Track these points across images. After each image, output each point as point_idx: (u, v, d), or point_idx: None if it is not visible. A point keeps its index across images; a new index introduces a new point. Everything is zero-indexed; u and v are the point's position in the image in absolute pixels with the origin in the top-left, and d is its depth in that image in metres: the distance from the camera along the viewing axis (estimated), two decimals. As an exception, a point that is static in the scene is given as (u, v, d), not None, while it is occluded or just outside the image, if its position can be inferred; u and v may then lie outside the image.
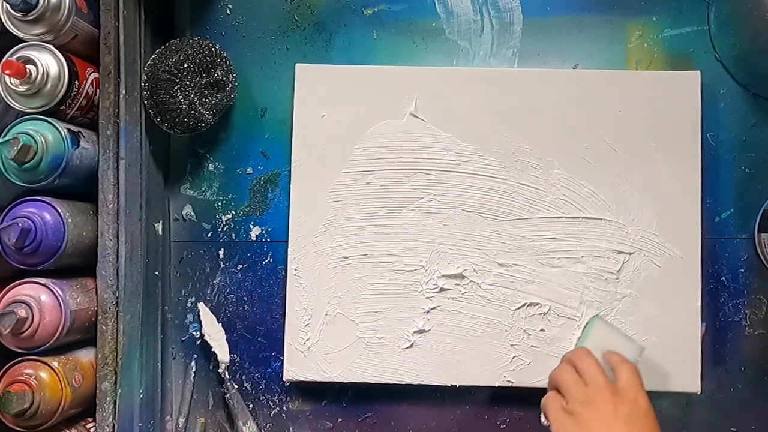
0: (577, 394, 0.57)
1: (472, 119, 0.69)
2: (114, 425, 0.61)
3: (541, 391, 0.67)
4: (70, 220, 0.59)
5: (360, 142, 0.69)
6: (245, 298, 0.72)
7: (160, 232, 0.70)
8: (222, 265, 0.72)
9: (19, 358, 0.58)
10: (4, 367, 0.58)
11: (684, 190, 0.68)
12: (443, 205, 0.69)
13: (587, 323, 0.66)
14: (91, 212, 0.63)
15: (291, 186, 0.70)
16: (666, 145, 0.68)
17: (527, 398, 0.69)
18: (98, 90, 0.62)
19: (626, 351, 0.62)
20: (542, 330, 0.68)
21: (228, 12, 0.72)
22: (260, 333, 0.71)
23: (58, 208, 0.59)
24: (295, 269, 0.69)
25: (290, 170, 0.70)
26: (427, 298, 0.68)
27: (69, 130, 0.60)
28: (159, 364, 0.69)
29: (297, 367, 0.69)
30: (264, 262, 0.72)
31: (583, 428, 0.55)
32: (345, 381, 0.68)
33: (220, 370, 0.70)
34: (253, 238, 0.72)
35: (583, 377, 0.58)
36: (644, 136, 0.68)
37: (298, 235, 0.69)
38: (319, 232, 0.69)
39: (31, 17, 0.58)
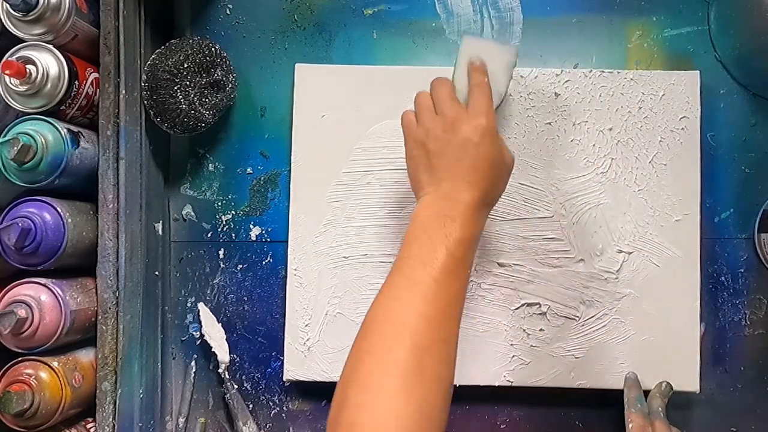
0: (424, 119, 0.58)
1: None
2: (114, 425, 0.61)
3: (541, 391, 0.68)
4: (70, 220, 0.59)
5: (360, 142, 0.69)
6: (245, 298, 0.72)
7: (160, 232, 0.70)
8: (222, 265, 0.72)
9: (19, 358, 0.58)
10: (4, 367, 0.58)
11: (684, 190, 0.68)
12: (443, 205, 0.68)
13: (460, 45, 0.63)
14: (91, 212, 0.63)
15: (291, 186, 0.70)
16: (665, 145, 0.68)
17: (527, 398, 0.69)
18: (98, 90, 0.62)
19: (503, 58, 0.62)
20: (542, 330, 0.68)
21: (228, 12, 0.72)
22: (260, 333, 0.71)
23: (58, 208, 0.59)
24: (295, 269, 0.69)
25: (290, 170, 0.70)
26: (427, 298, 0.68)
27: (69, 130, 0.60)
28: (159, 364, 0.69)
29: (297, 367, 0.69)
30: (264, 262, 0.72)
31: (425, 150, 0.57)
32: (345, 381, 0.68)
33: (220, 370, 0.70)
34: (253, 238, 0.72)
35: (435, 106, 0.58)
36: (644, 135, 0.68)
37: (298, 235, 0.69)
38: (319, 232, 0.69)
39: (31, 17, 0.58)
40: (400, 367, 0.48)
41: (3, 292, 0.59)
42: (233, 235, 0.72)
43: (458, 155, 0.55)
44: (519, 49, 0.64)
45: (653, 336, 0.67)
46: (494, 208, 0.67)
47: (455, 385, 0.67)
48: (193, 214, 0.72)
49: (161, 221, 0.70)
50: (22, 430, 0.58)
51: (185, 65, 0.65)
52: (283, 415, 0.71)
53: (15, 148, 0.56)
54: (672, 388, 0.65)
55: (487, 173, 0.55)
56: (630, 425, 0.64)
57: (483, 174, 0.55)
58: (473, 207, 0.54)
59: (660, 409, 0.64)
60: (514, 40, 0.71)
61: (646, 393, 0.66)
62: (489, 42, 0.64)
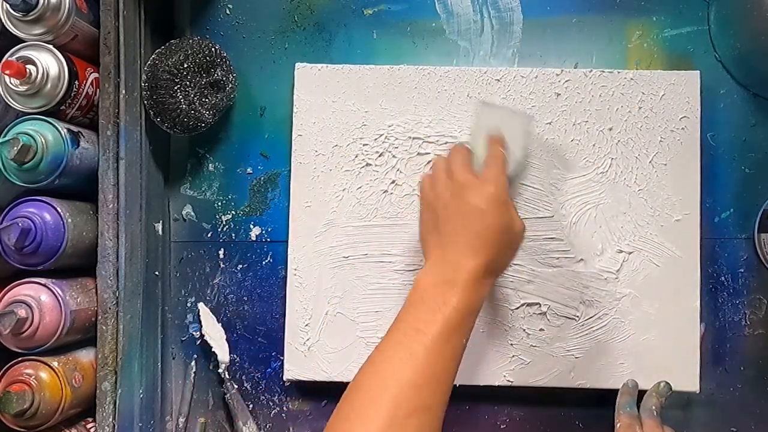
0: (437, 184, 0.58)
1: (471, 119, 0.69)
2: (114, 425, 0.61)
3: (541, 391, 0.68)
4: (70, 220, 0.59)
5: (360, 141, 0.69)
6: (245, 298, 0.72)
7: (160, 232, 0.70)
8: (222, 265, 0.72)
9: (19, 358, 0.58)
10: (4, 367, 0.58)
11: (684, 190, 0.68)
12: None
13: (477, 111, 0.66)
14: (91, 212, 0.63)
15: (291, 186, 0.70)
16: (665, 145, 0.68)
17: (527, 398, 0.69)
18: (98, 90, 0.62)
19: (517, 127, 0.63)
20: (542, 330, 0.68)
21: (228, 12, 0.72)
22: (260, 333, 0.71)
23: (58, 208, 0.59)
24: (295, 269, 0.69)
25: (290, 170, 0.70)
26: (427, 298, 0.68)
27: (69, 130, 0.60)
28: (159, 364, 0.69)
29: (297, 367, 0.69)
30: (264, 262, 0.72)
31: (434, 215, 0.57)
32: (345, 381, 0.68)
33: (220, 370, 0.70)
34: (253, 238, 0.72)
35: (449, 170, 0.59)
36: (644, 136, 0.68)
37: (298, 235, 0.69)
38: (319, 232, 0.69)
39: (31, 17, 0.58)
40: None
41: (3, 292, 0.59)
42: (233, 235, 0.72)
43: (464, 221, 0.55)
44: (532, 118, 0.65)
45: (653, 336, 0.67)
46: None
47: (455, 386, 0.68)
48: (193, 214, 0.72)
49: (161, 221, 0.70)
50: (22, 430, 0.58)
51: (185, 65, 0.65)
52: (283, 415, 0.71)
53: (15, 148, 0.56)
54: (671, 388, 0.65)
55: (492, 241, 0.55)
56: (618, 425, 0.64)
57: (488, 242, 0.55)
58: (475, 275, 0.54)
59: (654, 408, 0.64)
60: (513, 42, 0.71)
61: (644, 394, 0.66)
62: (504, 111, 0.65)
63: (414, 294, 0.54)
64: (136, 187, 0.65)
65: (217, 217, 0.72)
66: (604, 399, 0.68)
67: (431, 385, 0.50)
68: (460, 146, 0.61)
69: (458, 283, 0.53)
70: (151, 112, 0.66)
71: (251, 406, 0.71)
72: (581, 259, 0.68)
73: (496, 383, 0.68)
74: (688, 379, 0.67)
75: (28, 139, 0.57)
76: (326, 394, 0.71)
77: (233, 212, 0.72)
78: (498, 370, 0.68)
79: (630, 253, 0.68)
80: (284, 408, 0.71)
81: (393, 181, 0.69)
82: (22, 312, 0.57)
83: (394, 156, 0.69)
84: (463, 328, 0.53)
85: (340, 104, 0.69)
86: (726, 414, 0.69)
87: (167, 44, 0.67)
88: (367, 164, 0.69)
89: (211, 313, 0.71)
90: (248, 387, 0.71)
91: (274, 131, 0.72)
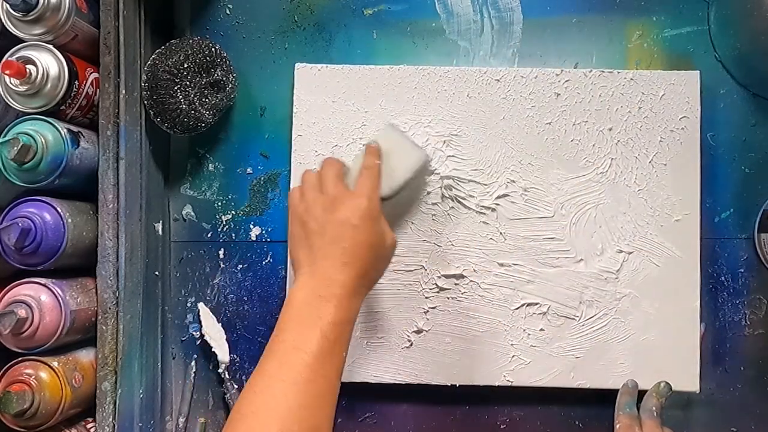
0: (307, 197, 0.58)
1: (471, 119, 0.69)
2: (114, 425, 0.61)
3: (541, 391, 0.68)
4: (70, 220, 0.59)
5: (360, 142, 0.69)
6: (245, 298, 0.72)
7: (160, 232, 0.70)
8: (222, 265, 0.72)
9: (19, 358, 0.58)
10: (4, 367, 0.58)
11: (684, 190, 0.68)
12: (443, 205, 0.69)
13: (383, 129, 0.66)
14: (91, 212, 0.63)
15: (291, 186, 0.69)
16: (665, 145, 0.68)
17: (527, 398, 0.69)
18: (98, 90, 0.62)
19: (410, 157, 0.63)
20: (542, 330, 0.68)
21: (228, 12, 0.72)
22: (260, 333, 0.71)
23: (58, 208, 0.59)
24: (295, 269, 0.69)
25: (290, 170, 0.70)
26: (426, 297, 0.68)
27: (69, 130, 0.60)
28: (159, 364, 0.69)
29: (297, 367, 0.68)
30: (264, 262, 0.72)
31: (305, 229, 0.57)
32: (345, 381, 0.68)
33: (220, 370, 0.70)
34: (253, 238, 0.72)
35: (321, 185, 0.59)
36: (644, 135, 0.68)
37: (298, 235, 0.69)
38: (319, 232, 0.69)
39: (31, 17, 0.58)
40: None
41: (3, 292, 0.59)
42: (233, 235, 0.72)
43: (336, 236, 0.55)
44: (429, 158, 0.66)
45: (653, 336, 0.67)
46: (496, 208, 0.68)
47: (455, 386, 0.68)
48: (193, 214, 0.72)
49: (161, 221, 0.70)
50: (22, 430, 0.58)
51: (185, 65, 0.65)
52: (283, 415, 0.71)
53: (15, 148, 0.56)
54: (671, 388, 0.65)
55: (363, 256, 0.55)
56: (617, 425, 0.64)
57: (359, 256, 0.55)
58: (349, 289, 0.54)
59: (654, 408, 0.64)
60: (513, 42, 0.71)
61: (644, 394, 0.66)
62: (405, 139, 0.65)
63: (289, 311, 0.53)
64: (136, 187, 0.65)
65: (217, 217, 0.72)
66: (604, 399, 0.68)
67: (318, 403, 0.50)
68: (332, 159, 0.61)
69: (332, 298, 0.53)
70: (151, 112, 0.66)
71: (251, 406, 0.71)
72: (581, 259, 0.68)
73: (496, 383, 0.68)
74: (688, 379, 0.67)
75: (28, 139, 0.57)
76: (326, 394, 0.71)
77: (233, 212, 0.72)
78: (498, 370, 0.68)
79: (630, 253, 0.68)
80: (284, 408, 0.71)
81: (393, 181, 0.69)
82: (22, 312, 0.57)
83: (394, 156, 0.69)
84: (342, 341, 0.53)
85: (340, 104, 0.69)
86: (726, 414, 0.69)
87: (167, 44, 0.67)
88: (367, 164, 0.69)
89: (211, 313, 0.71)
90: (248, 387, 0.71)
91: (274, 131, 0.72)
